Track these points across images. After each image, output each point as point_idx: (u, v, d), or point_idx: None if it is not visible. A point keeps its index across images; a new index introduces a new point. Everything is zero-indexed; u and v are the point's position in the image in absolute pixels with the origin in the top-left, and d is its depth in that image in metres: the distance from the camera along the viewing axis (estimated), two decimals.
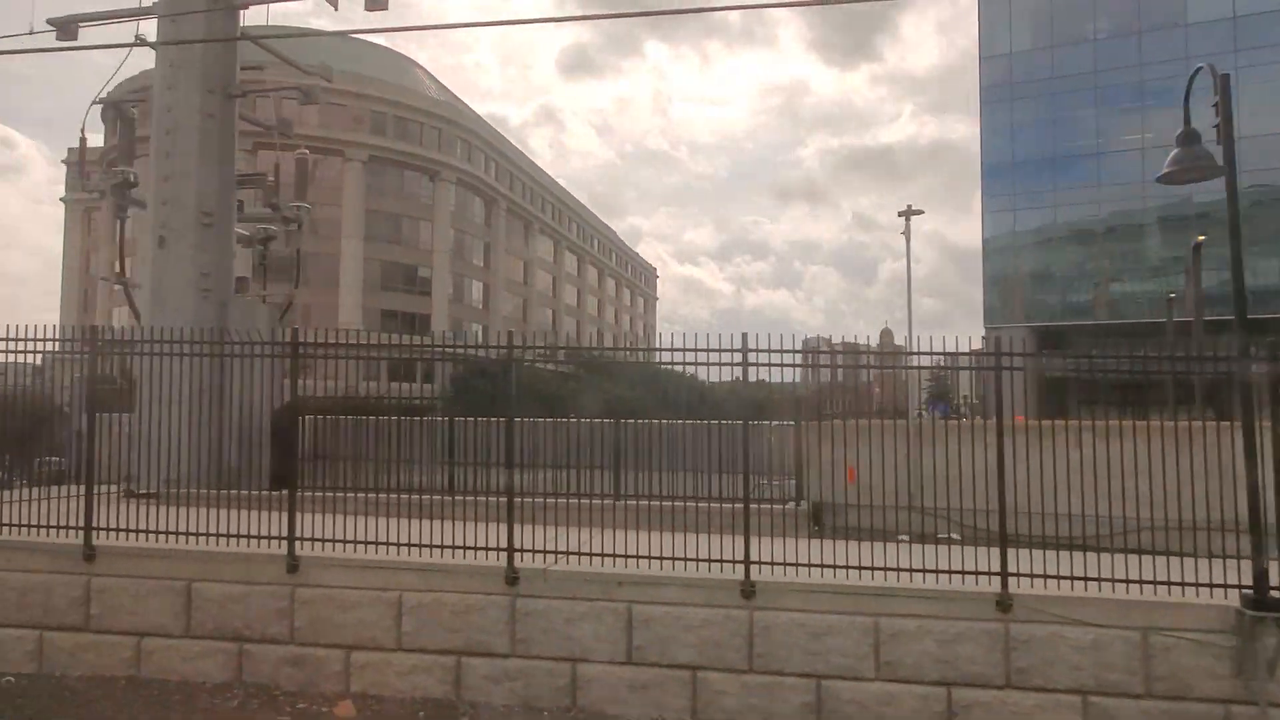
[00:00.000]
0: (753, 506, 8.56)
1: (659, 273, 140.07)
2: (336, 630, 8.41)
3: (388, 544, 8.46)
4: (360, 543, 8.51)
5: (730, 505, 9.65)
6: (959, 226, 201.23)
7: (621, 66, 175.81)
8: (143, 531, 8.94)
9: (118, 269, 21.86)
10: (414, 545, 8.43)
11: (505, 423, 8.81)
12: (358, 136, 61.88)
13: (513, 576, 8.20)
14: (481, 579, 8.28)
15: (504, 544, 8.28)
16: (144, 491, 11.76)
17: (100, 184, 21.51)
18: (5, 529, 9.08)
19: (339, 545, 8.58)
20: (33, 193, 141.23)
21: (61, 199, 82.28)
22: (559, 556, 8.33)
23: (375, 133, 62.88)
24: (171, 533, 8.86)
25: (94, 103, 20.96)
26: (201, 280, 13.15)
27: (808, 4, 12.37)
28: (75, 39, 17.14)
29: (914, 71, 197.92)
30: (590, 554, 8.23)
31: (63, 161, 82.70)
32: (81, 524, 8.96)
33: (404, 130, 64.66)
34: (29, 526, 9.05)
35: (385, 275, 64.56)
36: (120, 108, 21.33)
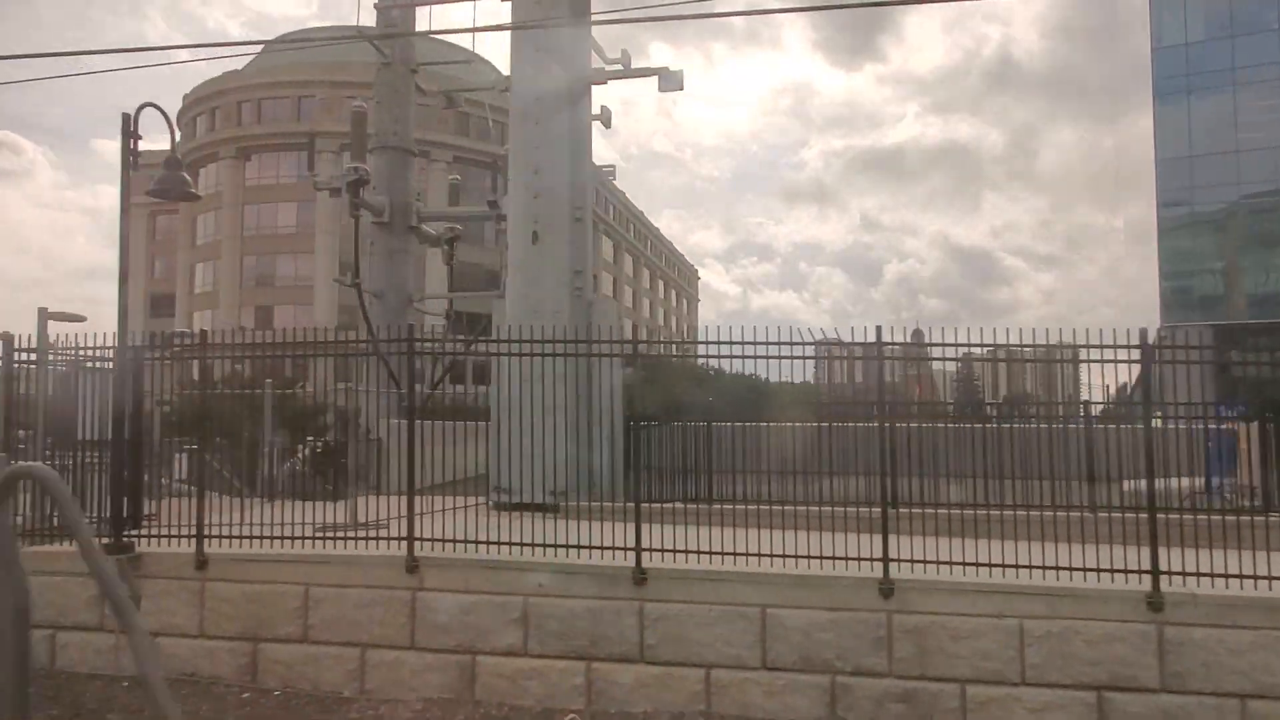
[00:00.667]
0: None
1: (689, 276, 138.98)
2: (949, 662, 7.62)
3: (1001, 566, 7.66)
4: (968, 565, 7.71)
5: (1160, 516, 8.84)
6: (963, 227, 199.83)
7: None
8: (699, 553, 8.15)
9: (354, 271, 21.24)
10: (1040, 568, 7.62)
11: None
12: (442, 137, 61.21)
13: (1156, 602, 7.39)
14: (1119, 604, 7.47)
15: (1146, 565, 7.48)
16: (520, 503, 11.05)
17: (335, 181, 20.92)
18: (559, 550, 8.30)
19: (936, 568, 7.79)
20: (39, 197, 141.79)
21: None
22: (1206, 579, 7.49)
23: (459, 133, 62.20)
24: (740, 554, 8.07)
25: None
26: (574, 278, 12.39)
27: (812, 9, 11.62)
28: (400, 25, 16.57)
29: (918, 72, 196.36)
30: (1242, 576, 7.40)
31: None
32: (630, 544, 8.18)
33: (486, 130, 63.95)
34: (579, 547, 8.27)
35: (466, 277, 63.85)
36: (355, 111, 20.72)
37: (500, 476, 12.19)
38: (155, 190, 10.31)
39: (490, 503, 12.09)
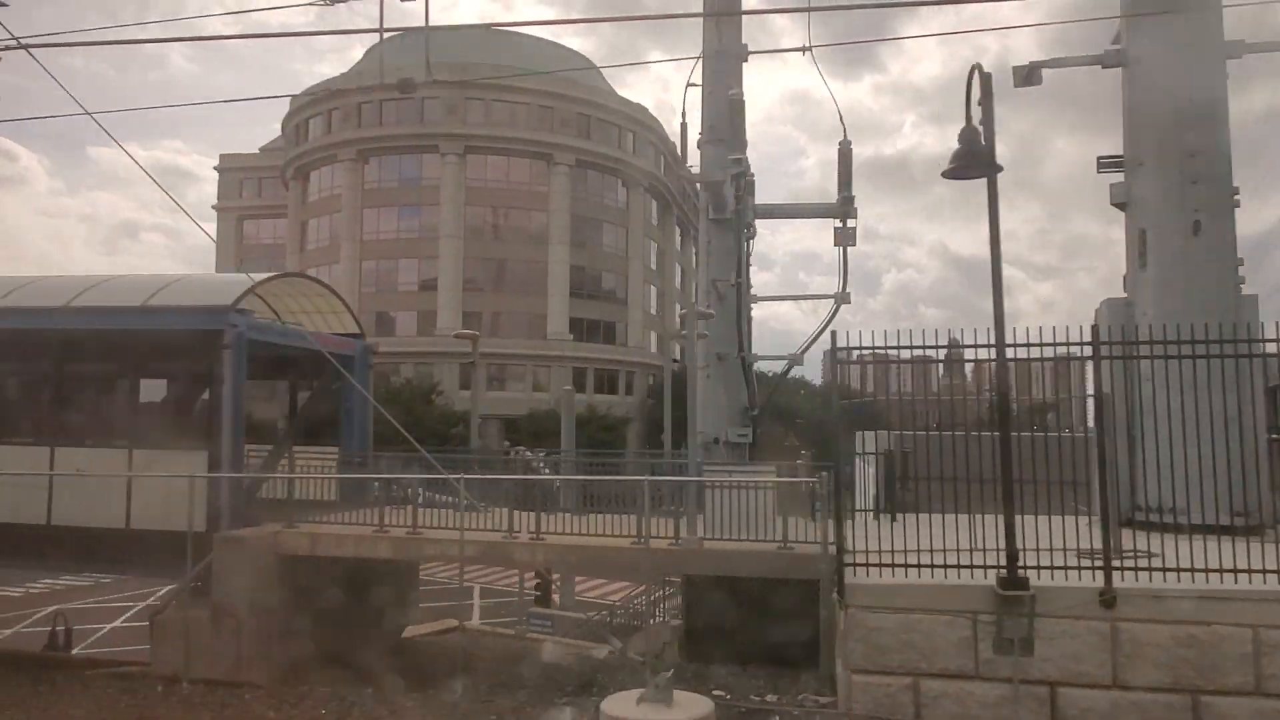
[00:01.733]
0: None
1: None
2: None
3: None
4: None
5: None
6: (963, 236, 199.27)
7: (625, 78, 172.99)
8: None
9: (737, 271, 19.93)
10: None
11: None
12: (564, 139, 60.07)
13: None
14: None
15: None
16: (1192, 525, 9.78)
17: (717, 174, 19.72)
18: None
19: None
20: (35, 204, 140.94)
21: (214, 207, 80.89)
22: None
23: (580, 135, 61.05)
24: None
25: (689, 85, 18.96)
26: (1234, 273, 11.17)
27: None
28: None
29: (916, 82, 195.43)
30: None
31: (214, 168, 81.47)
32: None
33: (604, 134, 62.83)
34: None
35: (584, 283, 62.77)
36: (733, 99, 19.53)
37: (1154, 495, 11.02)
38: (952, 171, 8.98)
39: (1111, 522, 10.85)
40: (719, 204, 20.35)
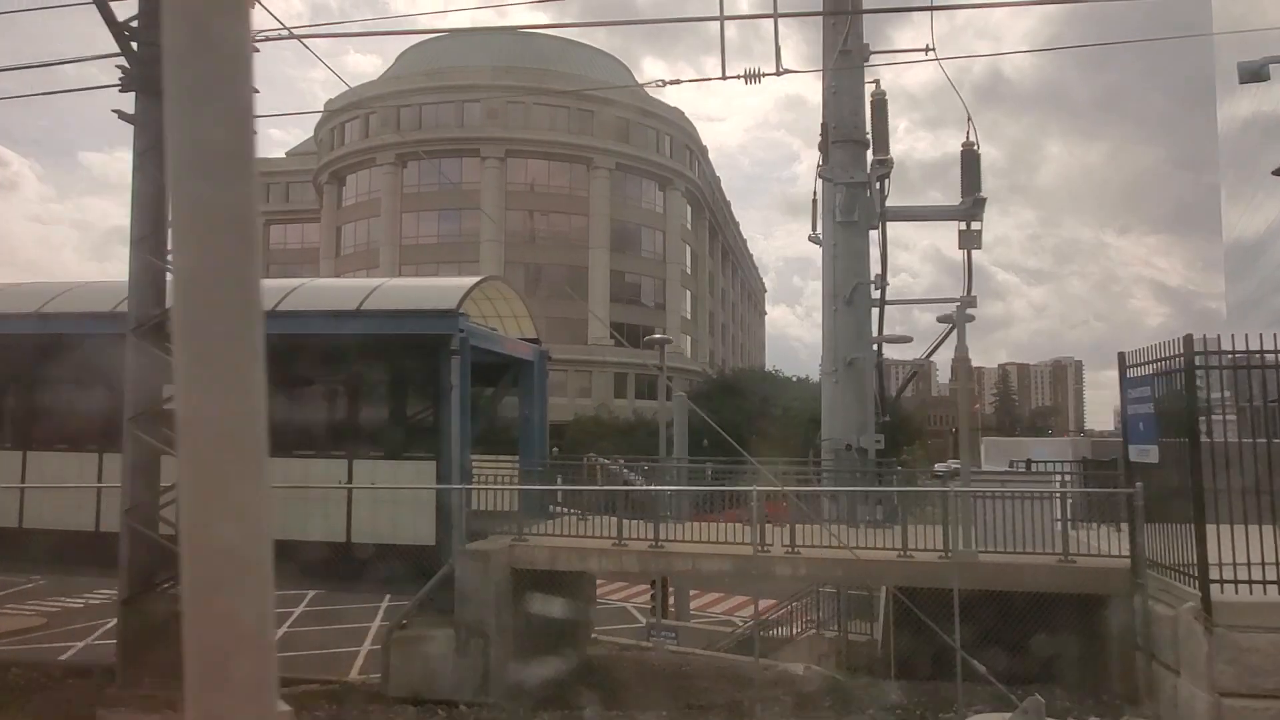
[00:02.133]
0: None
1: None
2: None
3: None
4: None
5: None
6: (957, 240, 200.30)
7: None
8: None
9: (882, 276, 19.49)
10: None
11: None
12: (604, 143, 59.71)
13: None
14: None
15: None
16: None
17: (858, 174, 19.30)
18: None
19: None
20: (25, 209, 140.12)
21: None
22: None
23: (620, 139, 60.67)
24: None
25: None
26: None
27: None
28: None
29: (909, 87, 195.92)
30: None
31: None
32: None
33: (643, 137, 62.49)
34: None
35: (625, 289, 62.39)
36: (876, 98, 19.13)
37: None
38: None
39: None
40: (848, 206, 19.90)
